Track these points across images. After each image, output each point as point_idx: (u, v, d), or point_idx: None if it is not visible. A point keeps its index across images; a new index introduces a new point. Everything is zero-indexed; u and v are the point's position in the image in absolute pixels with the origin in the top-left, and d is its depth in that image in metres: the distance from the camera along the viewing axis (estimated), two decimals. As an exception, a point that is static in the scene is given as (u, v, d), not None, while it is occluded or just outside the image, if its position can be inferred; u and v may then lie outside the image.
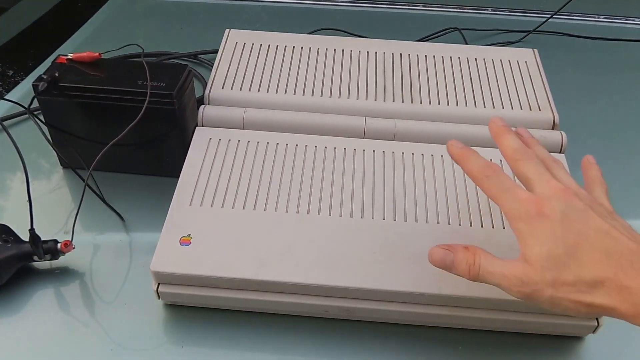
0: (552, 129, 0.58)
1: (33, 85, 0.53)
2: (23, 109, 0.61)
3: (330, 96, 0.59)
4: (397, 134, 0.56)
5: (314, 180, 0.51)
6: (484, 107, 0.59)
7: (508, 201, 0.37)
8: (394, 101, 0.59)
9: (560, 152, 0.56)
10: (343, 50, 0.65)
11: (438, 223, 0.48)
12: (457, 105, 0.59)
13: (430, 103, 0.59)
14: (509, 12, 0.93)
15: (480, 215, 0.49)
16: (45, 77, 0.53)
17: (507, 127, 0.42)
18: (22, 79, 0.74)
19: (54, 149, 0.58)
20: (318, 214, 0.49)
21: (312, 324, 0.47)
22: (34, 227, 0.46)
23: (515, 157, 0.39)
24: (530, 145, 0.42)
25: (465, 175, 0.52)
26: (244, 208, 0.49)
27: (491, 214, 0.49)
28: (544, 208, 0.35)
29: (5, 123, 0.60)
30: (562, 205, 0.35)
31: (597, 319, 0.45)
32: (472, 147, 0.42)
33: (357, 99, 0.59)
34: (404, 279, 0.44)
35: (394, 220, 0.49)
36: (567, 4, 0.85)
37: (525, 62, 0.64)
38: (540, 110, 0.58)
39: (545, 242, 0.34)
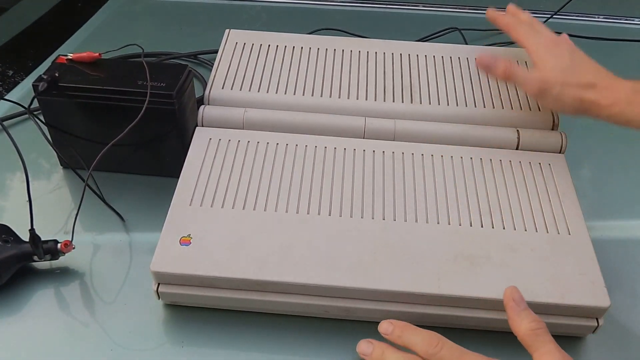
0: (552, 129, 0.58)
1: (33, 85, 0.53)
2: (23, 109, 0.61)
3: (330, 96, 0.59)
4: (397, 134, 0.56)
5: (314, 180, 0.51)
6: (484, 107, 0.59)
7: (534, 37, 0.54)
8: (394, 101, 0.59)
9: (560, 152, 0.56)
10: (343, 50, 0.65)
11: (438, 223, 0.48)
12: (457, 105, 0.59)
13: (430, 103, 0.59)
14: (509, 12, 0.93)
15: (480, 215, 0.49)
16: (45, 77, 0.53)
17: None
18: (22, 79, 0.74)
19: (54, 149, 0.58)
20: (318, 214, 0.49)
21: (312, 324, 0.47)
22: (34, 227, 0.46)
23: (527, 28, 0.56)
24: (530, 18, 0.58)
25: (465, 174, 0.52)
26: (244, 208, 0.49)
27: (491, 214, 0.49)
28: (559, 43, 0.54)
29: (5, 123, 0.60)
30: (569, 46, 0.54)
31: (597, 319, 0.45)
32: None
33: (357, 99, 0.59)
34: (404, 279, 0.44)
35: (394, 220, 0.49)
36: (567, 4, 0.85)
37: (525, 62, 0.64)
38: (540, 110, 0.58)
39: (557, 59, 0.52)
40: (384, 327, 0.43)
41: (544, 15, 0.87)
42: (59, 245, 0.48)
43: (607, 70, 0.52)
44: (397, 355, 0.41)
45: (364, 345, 0.43)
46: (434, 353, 0.40)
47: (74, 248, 0.49)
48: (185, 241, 0.46)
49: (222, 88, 0.59)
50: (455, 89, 0.60)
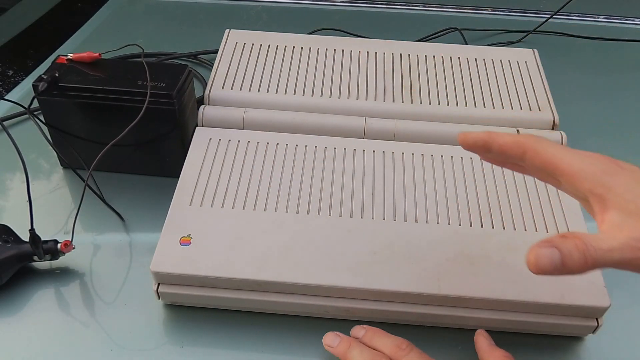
0: (552, 129, 0.58)
1: (33, 85, 0.53)
2: (23, 109, 0.61)
3: (330, 96, 0.59)
4: (397, 134, 0.56)
5: (314, 180, 0.51)
6: (484, 107, 0.59)
7: (576, 159, 0.33)
8: (394, 101, 0.59)
9: (560, 152, 0.55)
10: (343, 50, 0.65)
11: (438, 223, 0.48)
12: (457, 105, 0.59)
13: (430, 103, 0.59)
14: (509, 12, 0.93)
15: (480, 215, 0.49)
16: (45, 77, 0.53)
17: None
18: (22, 79, 0.74)
19: (54, 149, 0.58)
20: (318, 214, 0.49)
21: (312, 324, 0.47)
22: (34, 227, 0.46)
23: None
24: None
25: (465, 175, 0.52)
26: (244, 208, 0.49)
27: (491, 214, 0.49)
28: (619, 162, 0.33)
29: (5, 123, 0.60)
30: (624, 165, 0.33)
31: (597, 319, 0.45)
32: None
33: (357, 99, 0.59)
34: (404, 279, 0.44)
35: (394, 220, 0.49)
36: (567, 4, 0.85)
37: (525, 62, 0.64)
38: (540, 110, 0.58)
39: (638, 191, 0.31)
40: (357, 330, 0.44)
41: (544, 15, 0.87)
42: (59, 245, 0.48)
43: None
44: (363, 350, 0.41)
45: (330, 337, 0.43)
46: (401, 355, 0.40)
47: (74, 248, 0.49)
48: (185, 241, 0.46)
49: (222, 88, 0.59)
50: (455, 89, 0.60)
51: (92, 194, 0.55)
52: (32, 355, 0.45)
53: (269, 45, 0.65)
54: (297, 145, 0.54)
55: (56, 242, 0.48)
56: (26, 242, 0.48)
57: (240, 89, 0.59)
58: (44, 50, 0.78)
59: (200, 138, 0.55)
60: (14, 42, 0.83)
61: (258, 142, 0.55)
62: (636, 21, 0.92)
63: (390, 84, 0.61)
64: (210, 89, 0.59)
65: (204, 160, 0.53)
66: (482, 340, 0.44)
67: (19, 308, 0.48)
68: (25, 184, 0.46)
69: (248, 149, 0.54)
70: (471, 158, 0.54)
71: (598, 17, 0.92)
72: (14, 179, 0.60)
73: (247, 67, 0.62)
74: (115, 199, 0.56)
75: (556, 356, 0.46)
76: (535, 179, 0.52)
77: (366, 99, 0.59)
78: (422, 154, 0.54)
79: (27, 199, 0.46)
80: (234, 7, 0.93)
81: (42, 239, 0.48)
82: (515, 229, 0.48)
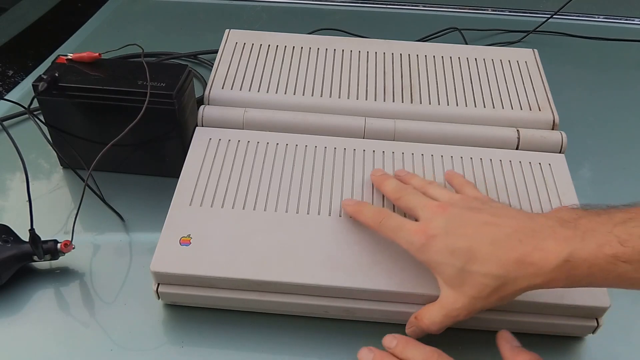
0: (552, 129, 0.58)
1: (33, 85, 0.53)
2: (23, 109, 0.61)
3: (330, 96, 0.59)
4: (397, 134, 0.56)
5: (314, 180, 0.51)
6: (484, 107, 0.59)
7: (403, 238, 0.42)
8: (394, 101, 0.59)
9: (560, 152, 0.56)
10: (343, 50, 0.65)
11: (438, 223, 0.48)
12: (457, 105, 0.59)
13: (430, 103, 0.59)
14: (509, 12, 0.93)
15: (480, 215, 0.49)
16: (45, 77, 0.53)
17: (385, 174, 0.50)
18: (22, 79, 0.74)
19: (54, 149, 0.58)
20: (318, 214, 0.49)
21: (312, 324, 0.47)
22: (34, 227, 0.46)
23: (396, 196, 0.46)
24: (406, 180, 0.49)
25: (465, 175, 0.52)
26: (244, 208, 0.49)
27: (491, 214, 0.49)
28: (429, 230, 0.41)
29: (5, 123, 0.60)
30: (442, 220, 0.41)
31: (597, 319, 0.45)
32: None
33: (357, 99, 0.59)
34: (403, 279, 0.44)
35: (394, 220, 0.49)
36: (567, 4, 0.85)
37: (525, 62, 0.64)
38: (540, 110, 0.58)
39: (445, 259, 0.40)
40: (388, 340, 0.43)
41: (544, 15, 0.87)
42: (58, 245, 0.48)
43: (510, 218, 0.40)
44: None
45: (364, 353, 0.43)
46: None
47: (73, 248, 0.49)
48: (185, 241, 0.46)
49: (222, 88, 0.59)
50: (455, 89, 0.60)
51: (92, 194, 0.55)
52: (32, 355, 0.45)
53: (269, 45, 0.65)
54: (297, 145, 0.54)
55: (56, 242, 0.48)
56: (26, 242, 0.48)
57: (240, 89, 0.59)
58: (44, 50, 0.78)
59: (200, 138, 0.55)
60: (14, 42, 0.83)
61: (258, 142, 0.55)
62: (636, 21, 0.92)
63: (390, 84, 0.61)
64: (210, 89, 0.59)
65: (204, 160, 0.53)
66: (504, 344, 0.42)
67: (19, 308, 0.48)
68: (25, 184, 0.46)
69: (248, 149, 0.54)
70: (471, 158, 0.54)
71: (598, 17, 0.92)
72: (14, 179, 0.60)
73: (247, 67, 0.62)
74: (115, 199, 0.56)
75: (556, 356, 0.46)
76: (536, 179, 0.52)
77: (366, 99, 0.59)
78: (422, 154, 0.54)
79: (27, 199, 0.46)
80: (234, 7, 0.93)
81: (42, 239, 0.48)
82: (515, 229, 0.48)
